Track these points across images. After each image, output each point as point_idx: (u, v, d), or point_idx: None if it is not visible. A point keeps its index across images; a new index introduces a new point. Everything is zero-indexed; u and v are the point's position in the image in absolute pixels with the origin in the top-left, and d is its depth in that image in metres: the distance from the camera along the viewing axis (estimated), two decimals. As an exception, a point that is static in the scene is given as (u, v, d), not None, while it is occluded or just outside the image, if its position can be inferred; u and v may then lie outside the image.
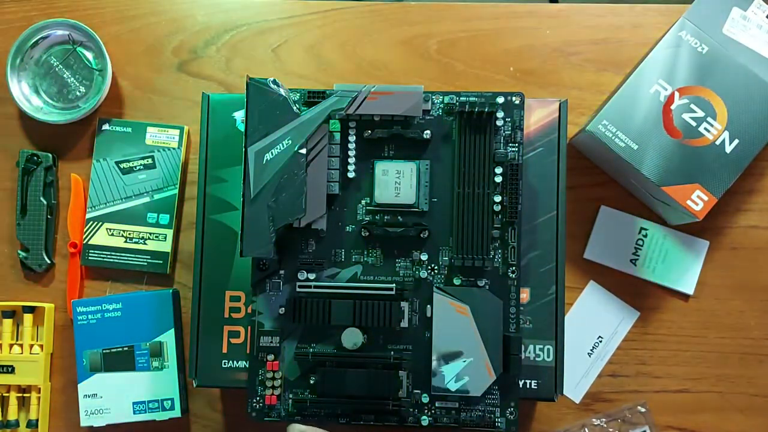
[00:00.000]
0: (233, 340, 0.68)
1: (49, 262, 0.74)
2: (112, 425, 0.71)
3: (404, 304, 0.64)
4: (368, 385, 0.63)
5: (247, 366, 0.66)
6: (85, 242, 0.73)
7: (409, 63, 0.76)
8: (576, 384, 0.72)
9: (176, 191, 0.74)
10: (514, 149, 0.64)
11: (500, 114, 0.65)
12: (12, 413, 0.72)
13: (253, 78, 0.63)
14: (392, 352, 0.64)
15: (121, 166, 0.74)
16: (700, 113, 0.67)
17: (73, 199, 0.74)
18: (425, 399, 0.64)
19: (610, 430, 0.71)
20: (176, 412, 0.71)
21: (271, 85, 0.63)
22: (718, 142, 0.66)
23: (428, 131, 0.65)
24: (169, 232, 0.73)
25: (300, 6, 0.77)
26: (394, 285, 0.64)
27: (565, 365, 0.65)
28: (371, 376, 0.63)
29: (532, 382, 0.65)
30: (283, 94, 0.63)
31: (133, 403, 0.71)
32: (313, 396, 0.64)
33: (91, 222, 0.73)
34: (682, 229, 0.73)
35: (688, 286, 0.72)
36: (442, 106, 0.65)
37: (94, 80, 0.75)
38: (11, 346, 0.73)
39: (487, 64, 0.76)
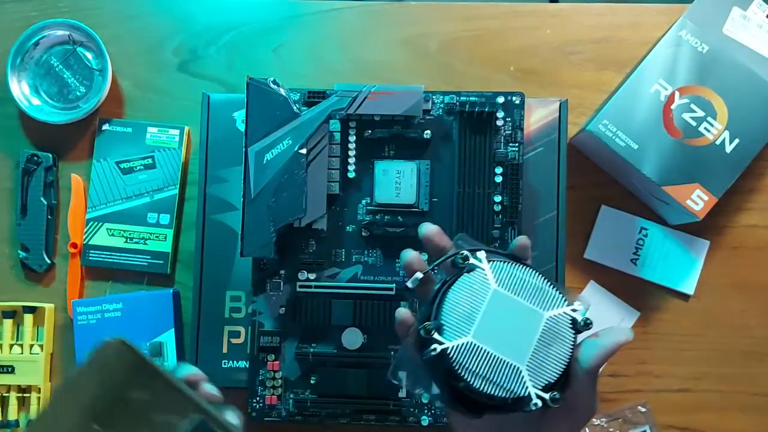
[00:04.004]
0: (233, 340, 0.68)
1: (49, 262, 0.74)
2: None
3: (404, 304, 0.64)
4: (368, 385, 0.63)
5: (247, 366, 0.66)
6: (85, 242, 0.73)
7: (409, 63, 0.76)
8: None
9: (176, 191, 0.74)
10: (514, 149, 0.64)
11: (500, 114, 0.65)
12: (12, 413, 0.72)
13: (253, 78, 0.63)
14: (392, 352, 0.64)
15: (122, 166, 0.74)
16: (701, 113, 0.67)
17: (74, 199, 0.74)
18: (425, 399, 0.64)
19: (611, 430, 0.71)
20: (176, 412, 0.71)
21: (271, 85, 0.63)
22: (718, 142, 0.66)
23: (428, 131, 0.65)
24: (170, 232, 0.73)
25: (300, 6, 0.77)
26: (394, 285, 0.64)
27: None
28: (371, 376, 0.63)
29: (533, 381, 0.65)
30: (283, 94, 0.63)
31: (134, 403, 0.71)
32: (313, 396, 0.64)
33: (91, 222, 0.73)
34: (682, 228, 0.73)
35: (689, 286, 0.72)
36: (442, 106, 0.65)
37: (94, 80, 0.75)
38: (11, 346, 0.73)
39: (487, 63, 0.75)
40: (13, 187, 0.75)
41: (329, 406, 0.64)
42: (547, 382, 0.44)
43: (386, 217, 0.65)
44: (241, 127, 0.66)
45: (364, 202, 0.65)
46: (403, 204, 0.65)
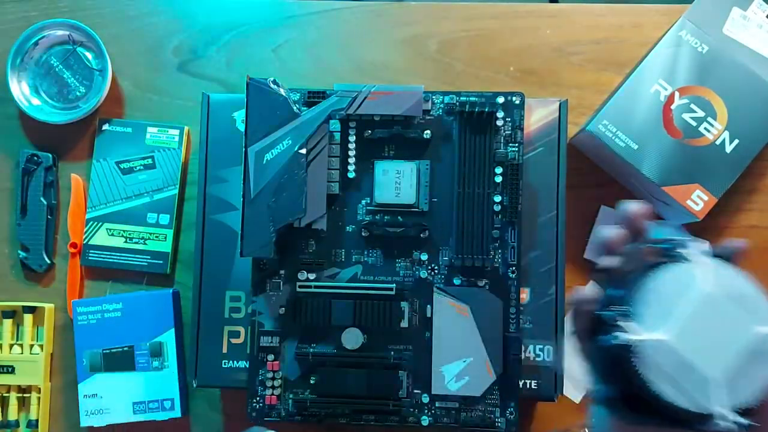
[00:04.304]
0: (233, 340, 0.68)
1: (49, 262, 0.74)
2: (112, 425, 0.71)
3: (404, 304, 0.64)
4: (368, 385, 0.63)
5: (247, 366, 0.66)
6: (85, 242, 0.73)
7: (409, 63, 0.76)
8: (576, 384, 0.72)
9: (176, 191, 0.74)
10: (514, 149, 0.64)
11: (500, 114, 0.65)
12: (12, 413, 0.72)
13: (253, 78, 0.63)
14: (392, 352, 0.64)
15: (121, 166, 0.74)
16: (700, 113, 0.67)
17: (73, 199, 0.74)
18: (425, 399, 0.64)
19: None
20: (176, 412, 0.71)
21: (271, 85, 0.63)
22: (718, 142, 0.66)
23: (428, 131, 0.65)
24: (169, 232, 0.73)
25: (300, 6, 0.77)
26: (394, 285, 0.64)
27: (565, 365, 0.65)
28: (371, 376, 0.63)
29: (532, 382, 0.65)
30: (283, 94, 0.63)
31: (133, 403, 0.71)
32: (313, 396, 0.64)
33: (91, 222, 0.73)
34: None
35: (689, 286, 0.72)
36: (442, 106, 0.65)
37: (94, 80, 0.75)
38: (11, 346, 0.73)
39: (487, 64, 0.75)
40: (13, 187, 0.75)
41: (329, 406, 0.64)
42: (739, 404, 0.39)
43: (386, 217, 0.65)
44: (241, 127, 0.66)
45: (364, 202, 0.65)
46: (403, 204, 0.65)
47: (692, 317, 0.39)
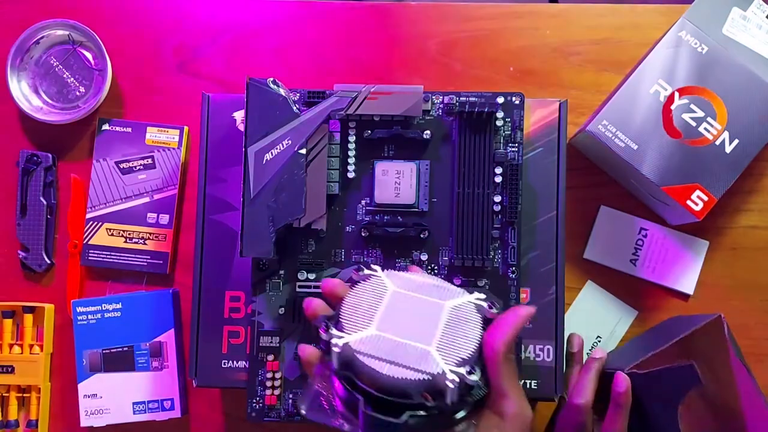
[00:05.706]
0: (233, 340, 0.68)
1: (49, 262, 0.74)
2: (112, 425, 0.71)
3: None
4: (368, 385, 0.63)
5: (247, 366, 0.66)
6: (85, 242, 0.73)
7: (409, 63, 0.76)
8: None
9: (176, 191, 0.74)
10: (514, 149, 0.64)
11: (500, 114, 0.65)
12: (12, 413, 0.72)
13: (253, 78, 0.63)
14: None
15: (121, 166, 0.74)
16: (700, 113, 0.67)
17: (73, 199, 0.74)
18: (425, 399, 0.64)
19: (610, 430, 0.70)
20: (176, 412, 0.71)
21: (271, 85, 0.63)
22: (718, 142, 0.66)
23: (428, 131, 0.65)
24: (169, 232, 0.73)
25: (300, 6, 0.77)
26: (394, 285, 0.64)
27: (565, 365, 0.65)
28: (371, 376, 0.63)
29: (532, 382, 0.65)
30: (283, 94, 0.63)
31: (133, 403, 0.71)
32: (313, 396, 0.64)
33: (91, 222, 0.73)
34: (682, 229, 0.73)
35: (688, 286, 0.72)
36: (442, 106, 0.65)
37: (94, 80, 0.75)
38: (11, 346, 0.73)
39: (487, 64, 0.76)
40: (13, 187, 0.75)
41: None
42: (460, 359, 0.45)
43: (386, 217, 0.65)
44: (241, 127, 0.66)
45: (363, 202, 0.65)
46: (402, 204, 0.65)
47: (390, 312, 0.48)
